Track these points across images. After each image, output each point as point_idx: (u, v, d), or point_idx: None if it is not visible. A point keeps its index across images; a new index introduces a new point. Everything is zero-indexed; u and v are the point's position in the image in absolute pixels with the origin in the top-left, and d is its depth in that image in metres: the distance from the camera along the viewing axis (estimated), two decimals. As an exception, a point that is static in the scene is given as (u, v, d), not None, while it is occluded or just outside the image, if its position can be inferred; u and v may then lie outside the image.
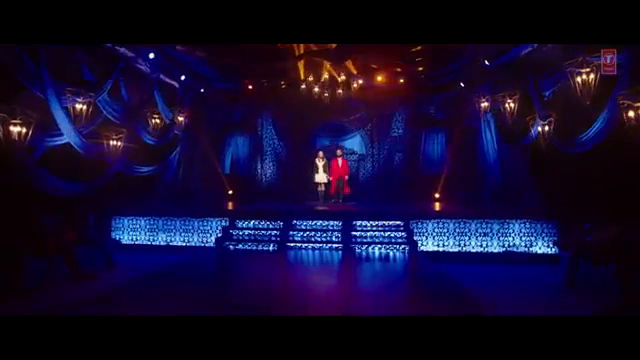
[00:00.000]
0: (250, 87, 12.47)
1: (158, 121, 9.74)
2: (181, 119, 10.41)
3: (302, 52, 10.44)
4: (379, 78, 11.63)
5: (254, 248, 7.97)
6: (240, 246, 8.06)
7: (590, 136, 7.36)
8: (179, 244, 9.01)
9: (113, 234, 9.21)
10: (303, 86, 11.35)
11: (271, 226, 8.45)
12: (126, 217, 9.29)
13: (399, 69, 11.09)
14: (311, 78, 10.81)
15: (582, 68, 6.22)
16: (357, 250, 7.64)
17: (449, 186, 11.71)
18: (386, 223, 8.15)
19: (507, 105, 8.31)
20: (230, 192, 12.87)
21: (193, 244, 8.94)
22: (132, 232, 9.25)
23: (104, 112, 8.68)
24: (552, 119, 7.26)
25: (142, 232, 9.22)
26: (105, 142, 8.51)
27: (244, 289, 5.37)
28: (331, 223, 8.26)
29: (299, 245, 7.83)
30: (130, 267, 7.36)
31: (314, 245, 7.79)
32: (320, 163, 10.83)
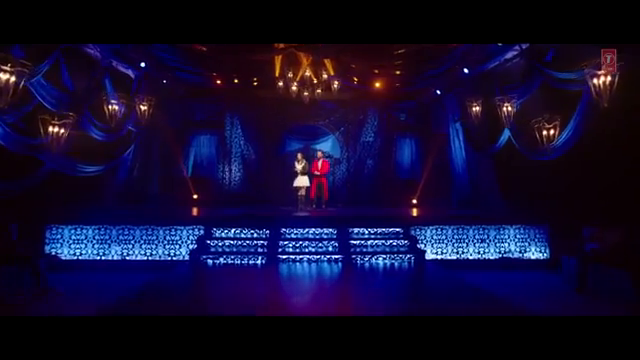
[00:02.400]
0: (219, 82, 10.51)
1: (116, 107, 7.41)
2: (144, 108, 8.16)
3: (282, 46, 8.83)
4: (355, 80, 10.44)
5: (238, 262, 6.14)
6: (221, 260, 6.17)
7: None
8: (139, 258, 6.81)
9: (48, 248, 6.72)
10: (280, 83, 9.69)
11: (256, 235, 6.67)
12: (67, 226, 6.84)
13: (377, 70, 9.94)
14: (290, 74, 9.21)
15: (599, 70, 5.51)
16: (359, 261, 6.20)
17: (422, 192, 10.86)
18: (385, 230, 6.83)
19: (505, 109, 7.49)
20: (195, 196, 10.70)
21: (157, 258, 6.81)
22: (75, 245, 6.82)
23: (38, 98, 6.40)
24: (557, 123, 6.53)
25: (89, 244, 6.84)
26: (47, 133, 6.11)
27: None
28: (325, 231, 6.72)
29: (292, 257, 6.17)
30: (73, 292, 5.15)
31: (309, 257, 6.18)
32: (299, 165, 9.22)
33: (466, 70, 9.08)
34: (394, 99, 11.33)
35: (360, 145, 11.47)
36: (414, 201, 10.73)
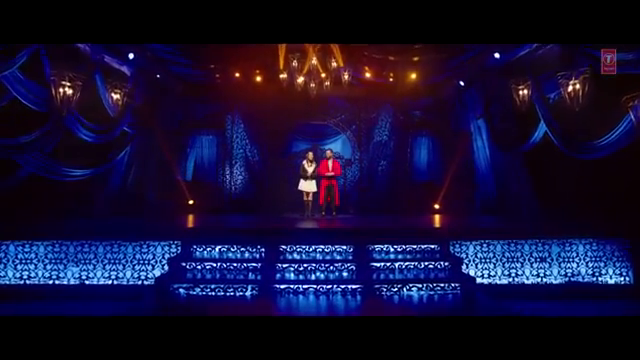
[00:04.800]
0: (217, 75, 8.53)
1: (70, 92, 5.45)
2: (116, 97, 6.18)
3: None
4: (367, 74, 8.35)
5: (221, 294, 4.01)
6: (197, 291, 4.05)
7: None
8: (101, 282, 4.77)
9: (-11, 269, 4.73)
10: (284, 75, 7.66)
11: (247, 254, 4.54)
12: (13, 242, 4.83)
13: (392, 57, 7.78)
14: (295, 63, 7.15)
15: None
16: (385, 293, 4.00)
17: (444, 196, 8.62)
18: (416, 247, 4.63)
19: (571, 87, 5.27)
20: (191, 202, 8.68)
21: (124, 282, 4.76)
22: (23, 266, 4.81)
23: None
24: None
25: (40, 265, 4.82)
26: None
27: None
28: (337, 248, 4.56)
29: (293, 287, 4.00)
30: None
31: (317, 287, 4.01)
32: (310, 167, 7.09)
33: (497, 55, 6.97)
34: (410, 94, 9.18)
35: (373, 145, 9.32)
36: (436, 206, 8.51)
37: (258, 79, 8.66)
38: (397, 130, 9.39)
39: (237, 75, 8.45)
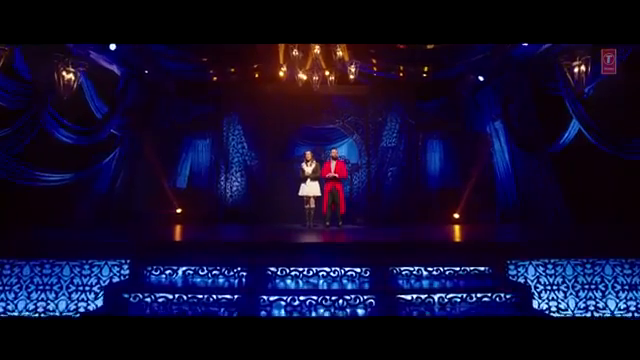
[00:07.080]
0: (212, 72, 7.22)
1: None
2: (69, 77, 4.82)
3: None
4: (375, 64, 6.99)
5: (172, 343, 2.42)
6: (137, 339, 2.47)
7: None
8: (25, 314, 3.21)
9: None
10: (284, 69, 6.34)
11: (222, 280, 2.97)
12: None
13: (403, 45, 6.40)
14: (295, 52, 5.81)
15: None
16: (423, 344, 2.39)
17: (465, 204, 7.05)
18: (459, 270, 3.03)
19: None
20: (179, 211, 7.20)
21: (57, 313, 3.21)
22: None
23: None
24: None
25: (-57, 292, 3.29)
26: None
27: None
28: (348, 272, 2.97)
29: (284, 334, 2.42)
30: None
31: (320, 332, 2.42)
32: (308, 168, 5.61)
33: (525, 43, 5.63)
34: (422, 92, 7.78)
35: (382, 149, 7.83)
36: (455, 215, 6.92)
37: (256, 76, 7.36)
38: (409, 132, 7.90)
39: (232, 70, 7.15)
